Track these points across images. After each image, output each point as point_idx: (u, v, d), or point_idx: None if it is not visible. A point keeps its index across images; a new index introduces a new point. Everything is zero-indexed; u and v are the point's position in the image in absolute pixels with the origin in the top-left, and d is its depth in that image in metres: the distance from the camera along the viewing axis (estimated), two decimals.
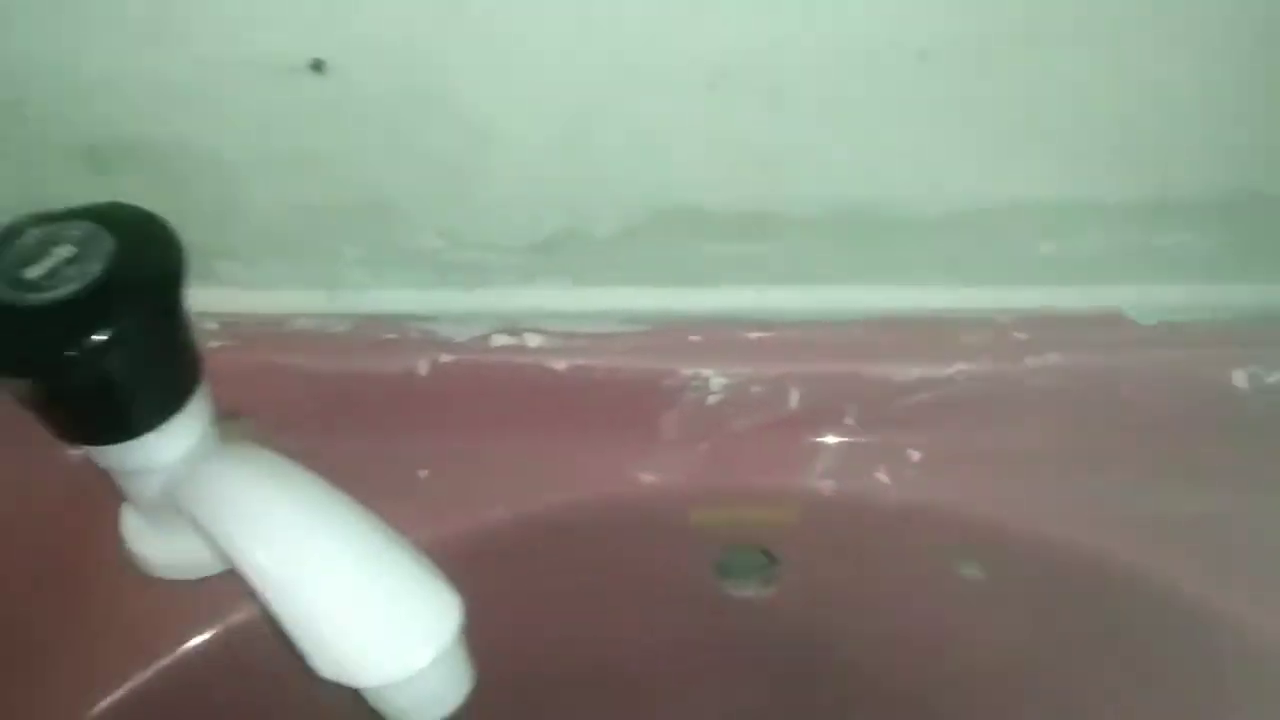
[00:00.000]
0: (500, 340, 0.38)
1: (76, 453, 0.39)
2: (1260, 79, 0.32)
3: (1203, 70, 0.32)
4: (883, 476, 0.36)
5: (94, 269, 0.29)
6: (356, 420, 0.38)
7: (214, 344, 0.38)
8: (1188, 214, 0.35)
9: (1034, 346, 0.36)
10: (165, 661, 0.35)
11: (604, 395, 0.37)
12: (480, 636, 0.29)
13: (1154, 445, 0.36)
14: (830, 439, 0.37)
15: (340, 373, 0.38)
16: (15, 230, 0.30)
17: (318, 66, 0.33)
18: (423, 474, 0.37)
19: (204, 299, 0.32)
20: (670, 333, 0.37)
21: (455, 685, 0.29)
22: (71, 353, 0.28)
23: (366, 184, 0.37)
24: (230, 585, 0.36)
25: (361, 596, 0.27)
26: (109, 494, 0.37)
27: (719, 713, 0.41)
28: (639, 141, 0.35)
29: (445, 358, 0.38)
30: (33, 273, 0.29)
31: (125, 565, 0.36)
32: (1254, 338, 0.36)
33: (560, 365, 0.37)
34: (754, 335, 0.37)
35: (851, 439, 0.37)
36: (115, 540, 0.36)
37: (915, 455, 0.36)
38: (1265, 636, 0.33)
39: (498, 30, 0.32)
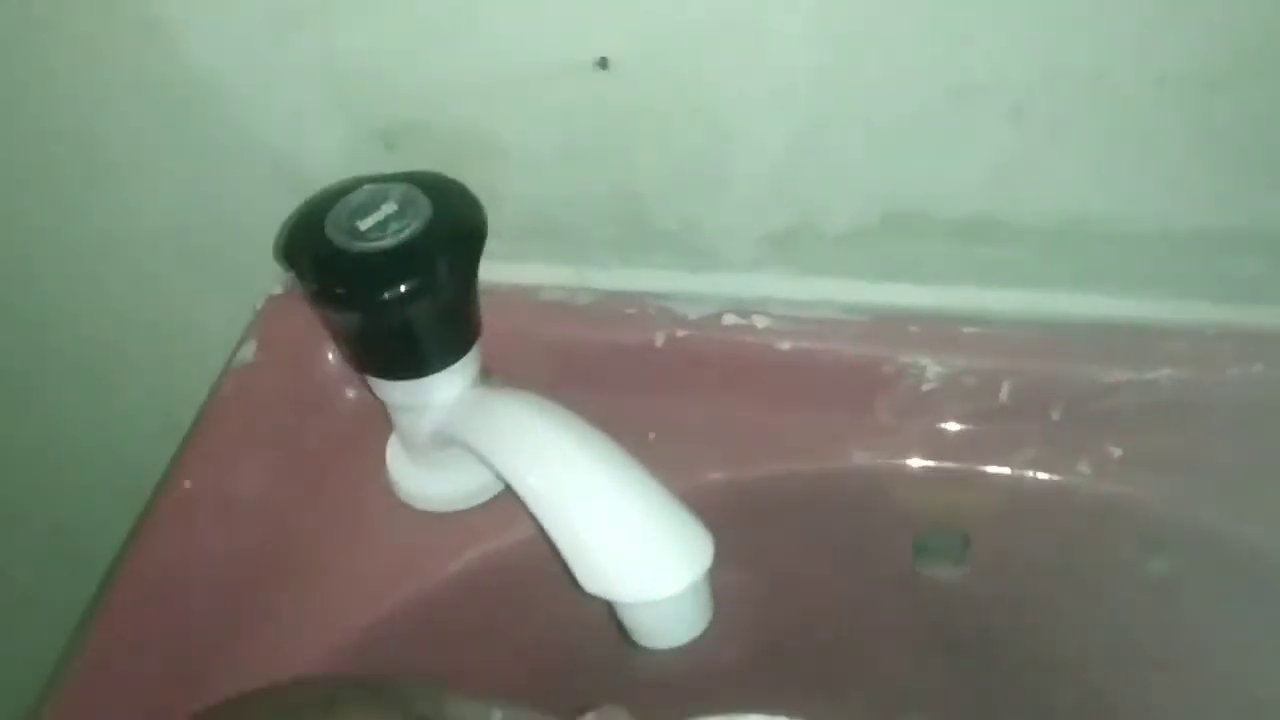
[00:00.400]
0: (730, 320, 0.42)
1: (347, 400, 0.44)
2: None
3: None
4: (1084, 468, 0.39)
5: (414, 225, 0.34)
6: (595, 383, 0.41)
7: None
8: None
9: (1239, 357, 0.38)
10: (423, 585, 0.39)
11: (824, 376, 0.41)
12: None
13: None
14: (1036, 431, 0.39)
15: (583, 340, 0.43)
16: (346, 187, 0.35)
17: (603, 64, 0.38)
18: (651, 436, 0.41)
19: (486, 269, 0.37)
20: (890, 323, 0.40)
21: (699, 615, 0.33)
22: (390, 295, 0.33)
23: (622, 174, 0.41)
24: (479, 519, 0.40)
25: (632, 519, 0.31)
26: (375, 438, 0.42)
27: (900, 687, 0.44)
28: (876, 146, 0.38)
29: (680, 332, 0.42)
30: (364, 224, 0.34)
31: (388, 499, 0.41)
32: None
33: (785, 345, 0.41)
34: (970, 330, 0.40)
35: (1056, 433, 0.39)
36: (380, 478, 0.41)
37: (1116, 452, 0.39)
38: None
39: (745, 37, 0.36)
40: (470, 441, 0.35)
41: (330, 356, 0.44)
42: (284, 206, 0.37)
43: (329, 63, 0.39)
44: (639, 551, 0.31)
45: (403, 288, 0.33)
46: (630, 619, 0.32)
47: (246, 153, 0.42)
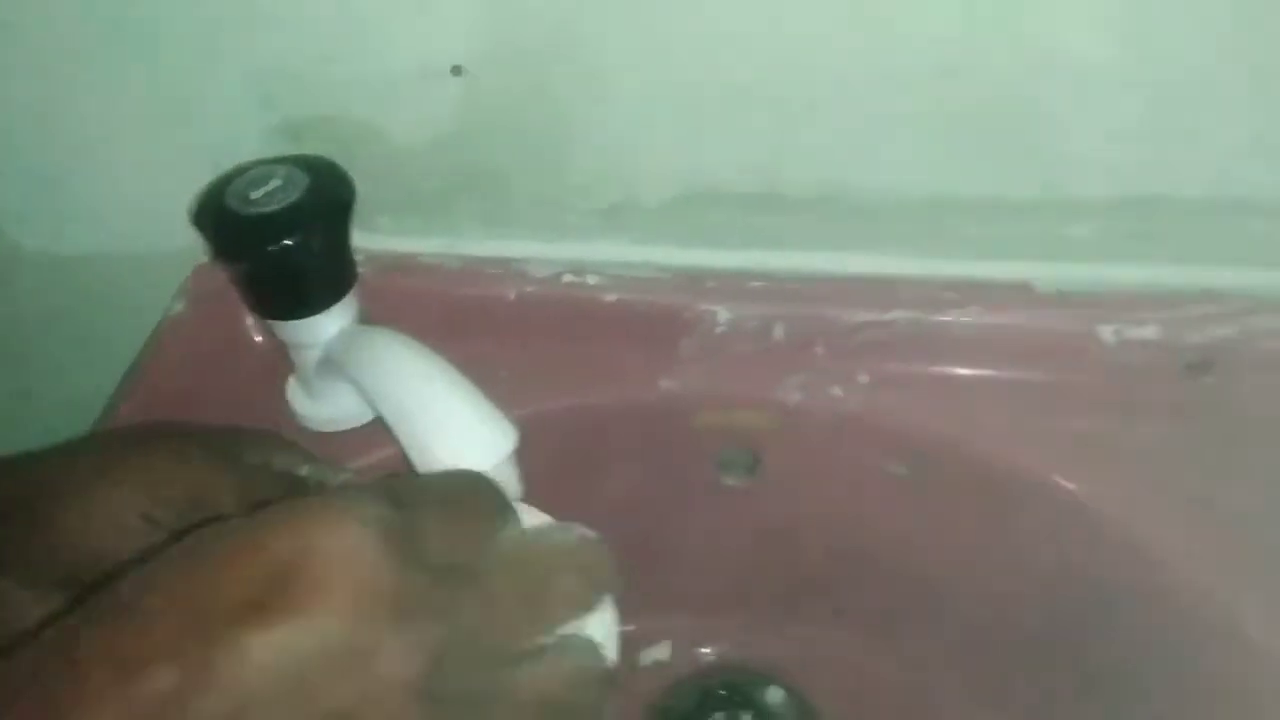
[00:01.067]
0: (568, 278, 0.52)
1: (256, 344, 0.54)
2: None
3: None
4: (838, 391, 0.49)
5: (294, 195, 0.44)
6: (459, 332, 0.51)
7: (362, 270, 0.53)
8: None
9: (957, 303, 0.48)
10: None
11: (639, 322, 0.51)
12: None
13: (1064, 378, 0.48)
14: (803, 363, 0.50)
15: (450, 296, 0.53)
16: (245, 168, 0.45)
17: (457, 71, 0.48)
18: (503, 373, 0.51)
19: (359, 239, 0.47)
20: (691, 279, 0.51)
21: (512, 490, 0.42)
22: (273, 248, 0.43)
23: (482, 160, 0.51)
24: (357, 437, 0.50)
25: (453, 410, 0.41)
26: (280, 374, 0.52)
27: (711, 573, 0.54)
28: (680, 136, 0.48)
29: (528, 289, 0.52)
30: (255, 194, 0.44)
31: (287, 420, 0.51)
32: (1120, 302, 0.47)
33: (610, 298, 0.51)
34: (753, 284, 0.50)
35: (818, 364, 0.49)
36: (282, 405, 0.51)
37: (864, 378, 0.49)
38: (1190, 561, 0.43)
39: (574, 47, 0.46)
40: (342, 364, 0.45)
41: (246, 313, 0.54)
42: None
43: (250, 66, 0.49)
44: (458, 434, 0.41)
45: (284, 242, 0.43)
46: None
47: (183, 145, 0.53)
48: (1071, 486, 0.45)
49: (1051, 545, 0.47)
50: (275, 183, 0.45)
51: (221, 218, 0.44)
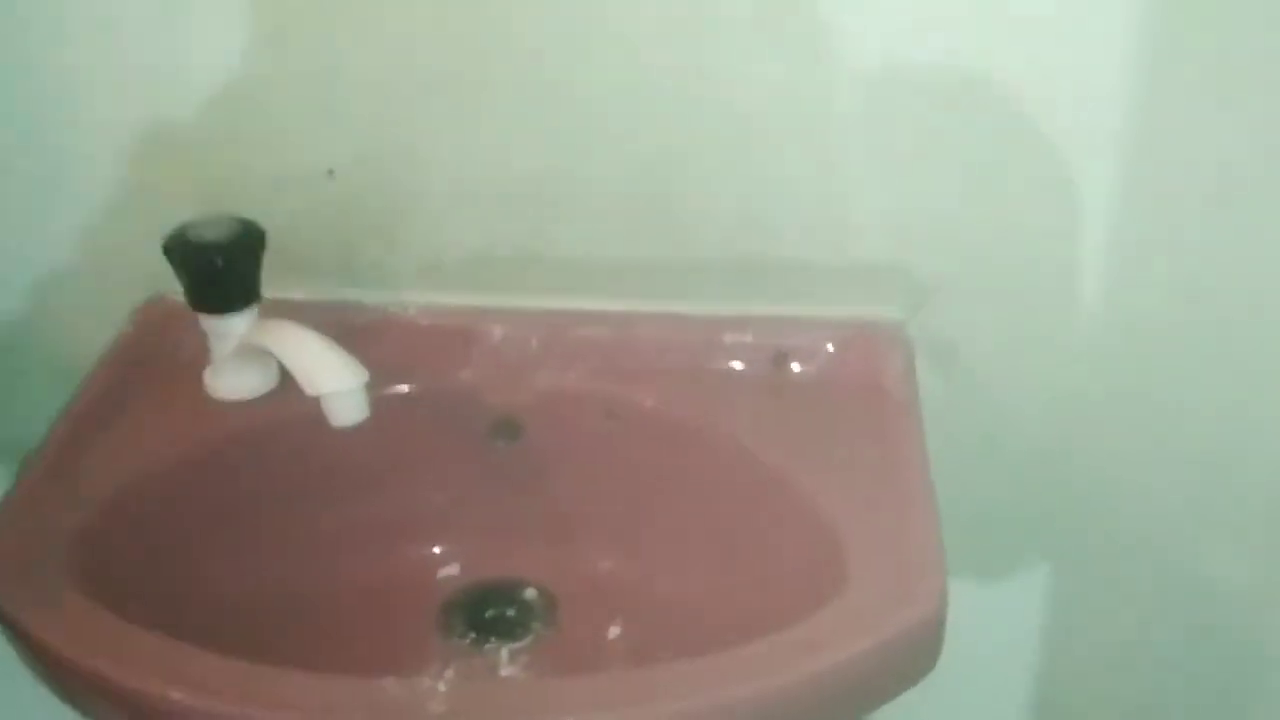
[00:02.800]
0: (395, 309, 0.80)
1: (186, 345, 0.79)
2: None
3: None
4: (571, 377, 0.78)
5: (229, 234, 0.72)
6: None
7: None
8: None
9: (637, 323, 0.79)
10: (217, 433, 0.75)
11: (443, 337, 0.79)
12: (365, 459, 0.69)
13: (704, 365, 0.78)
14: (546, 362, 0.79)
15: (319, 321, 0.80)
16: (199, 220, 0.72)
17: (331, 174, 0.77)
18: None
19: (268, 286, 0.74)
20: (478, 311, 0.80)
21: (365, 407, 0.69)
22: (215, 263, 0.71)
23: (343, 235, 0.80)
24: (254, 404, 0.75)
25: (328, 358, 0.68)
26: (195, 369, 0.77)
27: (489, 511, 0.80)
28: (478, 218, 0.78)
29: (370, 317, 0.80)
30: (205, 233, 0.71)
31: (203, 393, 0.76)
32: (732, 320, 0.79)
33: (425, 322, 0.80)
34: (518, 314, 0.80)
35: (552, 364, 0.79)
36: (200, 385, 0.77)
37: (584, 369, 0.78)
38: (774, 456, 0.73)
39: (408, 158, 0.77)
40: (253, 339, 0.72)
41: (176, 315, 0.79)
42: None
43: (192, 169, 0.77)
44: (332, 367, 0.68)
45: (221, 260, 0.71)
46: (329, 406, 0.68)
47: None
48: (714, 426, 0.75)
49: (705, 465, 0.76)
50: (218, 227, 0.72)
51: (183, 245, 0.71)
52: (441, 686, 0.59)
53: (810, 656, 0.58)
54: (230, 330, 0.74)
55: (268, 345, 0.70)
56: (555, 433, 0.79)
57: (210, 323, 0.74)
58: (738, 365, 0.78)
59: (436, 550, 0.81)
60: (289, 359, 0.68)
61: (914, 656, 0.62)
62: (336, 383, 0.67)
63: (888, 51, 0.70)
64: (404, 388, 0.78)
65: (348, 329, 0.79)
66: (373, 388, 0.69)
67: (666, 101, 0.73)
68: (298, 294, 0.81)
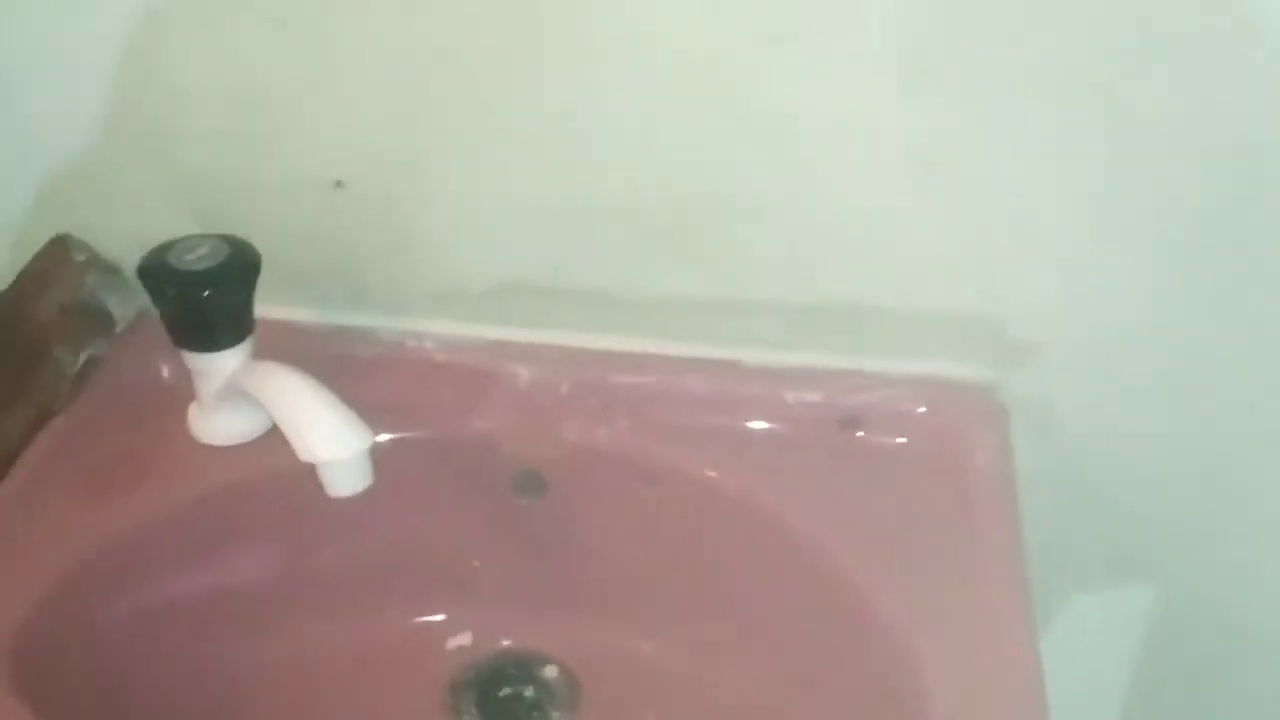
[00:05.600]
0: (410, 343, 0.70)
1: (164, 376, 0.69)
2: None
3: None
4: (603, 432, 0.68)
5: (216, 260, 0.61)
6: (323, 379, 0.68)
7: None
8: None
9: (688, 371, 0.68)
10: (203, 487, 0.65)
11: (460, 376, 0.69)
12: (368, 512, 0.59)
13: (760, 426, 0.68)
14: (580, 411, 0.68)
15: (319, 352, 0.69)
16: (181, 239, 0.62)
17: (339, 184, 0.66)
18: (356, 409, 0.68)
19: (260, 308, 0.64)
20: (503, 346, 0.69)
21: (367, 475, 0.59)
22: (200, 296, 0.60)
23: (348, 252, 0.69)
24: (243, 452, 0.66)
25: (327, 415, 0.58)
26: (181, 401, 0.67)
27: (507, 575, 0.71)
28: (490, 242, 0.68)
29: (378, 350, 0.70)
30: (188, 257, 0.61)
31: (187, 436, 0.66)
32: (796, 375, 0.68)
33: (440, 358, 0.69)
34: (547, 353, 0.69)
35: (591, 413, 0.68)
36: (184, 423, 0.67)
37: (624, 423, 0.68)
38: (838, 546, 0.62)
39: (420, 168, 0.66)
40: (243, 384, 0.62)
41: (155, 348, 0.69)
42: None
43: (179, 174, 0.67)
44: (332, 431, 0.58)
45: (206, 292, 0.60)
46: (326, 475, 0.58)
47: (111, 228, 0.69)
48: (768, 503, 0.65)
49: (756, 547, 0.66)
50: (203, 250, 0.62)
51: (163, 272, 0.61)
52: None
53: None
54: (217, 369, 0.64)
55: (257, 396, 0.60)
56: (586, 492, 0.69)
57: (194, 360, 0.64)
58: (799, 428, 0.68)
59: (446, 617, 0.72)
60: (281, 417, 0.58)
61: None
62: (333, 450, 0.57)
63: None
64: (415, 434, 0.68)
65: (354, 362, 0.69)
66: (380, 430, 0.60)
67: (719, 119, 0.62)
68: (299, 315, 0.71)
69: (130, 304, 0.70)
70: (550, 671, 0.70)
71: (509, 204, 0.66)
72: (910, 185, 0.63)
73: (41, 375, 0.66)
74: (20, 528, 0.61)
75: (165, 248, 0.62)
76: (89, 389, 0.68)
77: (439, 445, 0.69)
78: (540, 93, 0.62)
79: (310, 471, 0.57)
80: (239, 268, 0.62)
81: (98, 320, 0.69)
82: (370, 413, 0.64)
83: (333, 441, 0.58)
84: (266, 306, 0.70)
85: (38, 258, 0.68)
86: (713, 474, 0.66)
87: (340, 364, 0.69)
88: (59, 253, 0.68)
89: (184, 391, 0.67)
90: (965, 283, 0.65)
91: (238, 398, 0.64)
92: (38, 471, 0.64)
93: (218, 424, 0.66)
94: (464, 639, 0.72)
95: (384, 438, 0.65)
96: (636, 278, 0.68)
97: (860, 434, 0.67)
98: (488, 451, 0.69)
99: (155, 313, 0.64)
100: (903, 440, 0.67)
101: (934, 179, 0.62)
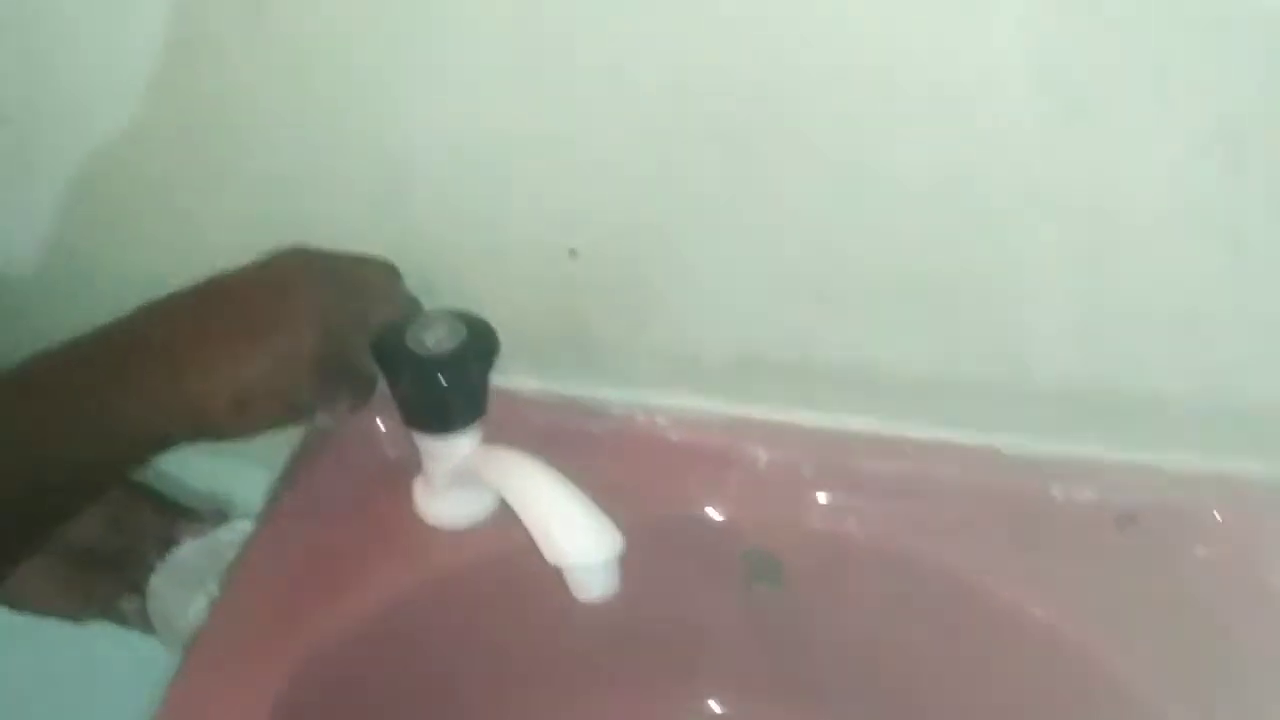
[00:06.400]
0: (641, 417, 0.66)
1: (388, 455, 0.67)
2: None
3: None
4: (852, 522, 0.63)
5: (454, 343, 0.57)
6: (552, 455, 0.64)
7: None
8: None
9: (945, 458, 0.63)
10: (441, 570, 0.62)
11: (696, 457, 0.65)
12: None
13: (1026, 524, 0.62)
14: (822, 494, 0.64)
15: (547, 425, 0.66)
16: (420, 317, 0.59)
17: (573, 254, 0.62)
18: (587, 492, 0.64)
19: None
20: (741, 424, 0.65)
21: (616, 580, 0.55)
22: (438, 382, 0.57)
23: (580, 324, 0.65)
24: (474, 535, 0.63)
25: (578, 518, 0.54)
26: (404, 477, 0.65)
27: (742, 665, 0.67)
28: (732, 318, 0.63)
29: (610, 424, 0.66)
30: (425, 338, 0.57)
31: (412, 517, 0.64)
32: (1066, 467, 0.62)
33: (674, 436, 0.65)
34: (787, 433, 0.64)
35: (837, 500, 0.64)
36: (409, 502, 0.64)
37: (873, 513, 0.63)
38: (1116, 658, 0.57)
39: (653, 237, 0.61)
40: (480, 474, 0.58)
41: (380, 428, 0.67)
42: None
43: (410, 239, 0.63)
44: (582, 535, 0.54)
45: (444, 378, 0.57)
46: (574, 579, 0.55)
47: None
48: (1036, 612, 0.59)
49: (1016, 656, 0.60)
50: (440, 331, 0.58)
51: (401, 354, 0.57)
52: None
53: None
54: (449, 452, 0.60)
55: (501, 489, 0.57)
56: (829, 585, 0.64)
57: (425, 441, 0.61)
58: (1070, 527, 0.62)
59: (673, 703, 0.68)
60: (528, 517, 0.55)
61: None
62: (584, 556, 0.54)
63: None
64: (646, 516, 0.64)
65: (584, 437, 0.66)
66: (612, 511, 0.55)
67: (1008, 192, 0.55)
68: (526, 383, 0.68)
69: None
70: None
71: (757, 274, 0.61)
72: (1219, 269, 0.56)
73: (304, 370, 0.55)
74: (258, 618, 0.59)
75: (400, 325, 0.59)
76: (314, 456, 0.66)
77: (671, 528, 0.65)
78: (799, 160, 0.57)
79: (539, 556, 0.54)
80: (478, 352, 0.58)
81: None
82: (600, 492, 0.61)
83: (584, 547, 0.54)
84: (492, 372, 0.66)
85: (369, 263, 0.62)
86: (971, 572, 0.61)
87: (570, 439, 0.65)
88: (390, 276, 0.63)
89: (407, 467, 0.64)
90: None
91: (467, 479, 0.61)
92: (271, 552, 0.62)
93: (447, 506, 0.63)
94: None
95: (617, 521, 0.62)
96: (895, 357, 0.62)
97: (1139, 537, 0.61)
98: (722, 536, 0.65)
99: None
100: (1191, 547, 0.60)
101: (1247, 264, 0.55)
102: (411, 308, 0.61)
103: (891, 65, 0.53)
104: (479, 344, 0.58)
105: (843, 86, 0.54)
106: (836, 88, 0.54)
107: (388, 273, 0.62)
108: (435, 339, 0.58)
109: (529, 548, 0.55)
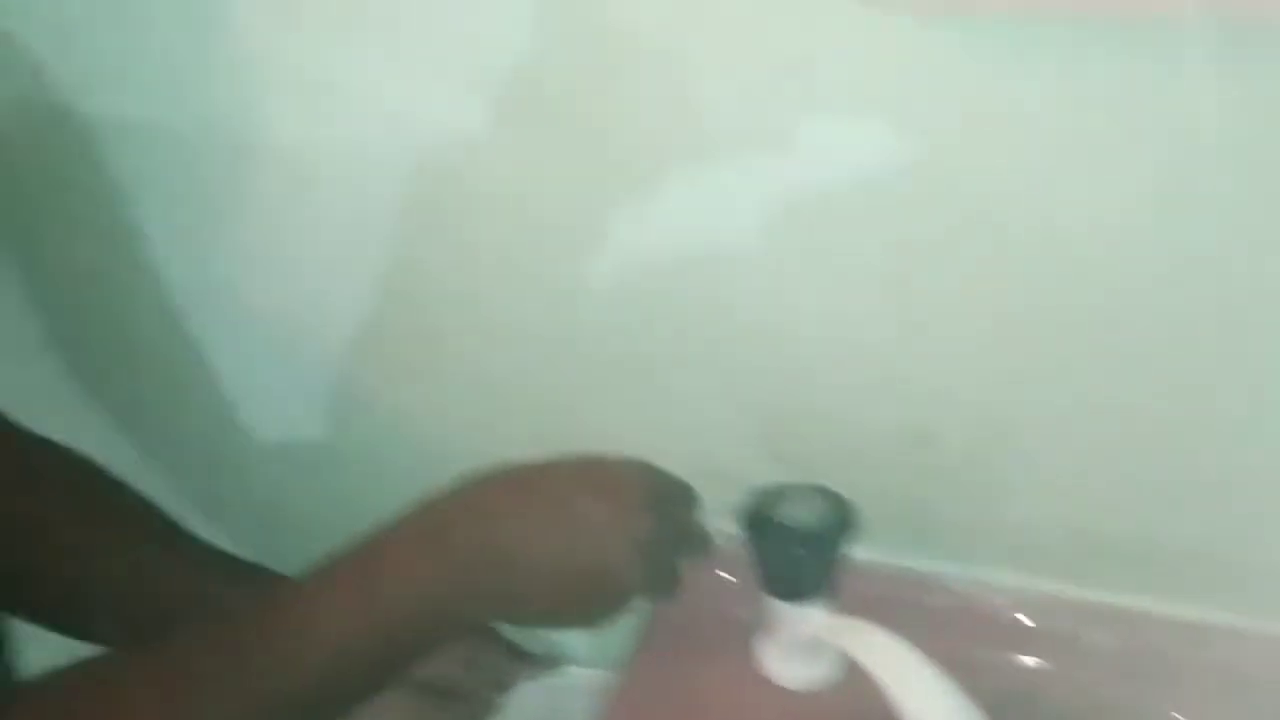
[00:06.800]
0: (985, 595, 0.68)
1: (735, 615, 0.71)
2: None
3: None
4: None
5: (818, 517, 0.62)
6: (892, 624, 0.67)
7: None
8: None
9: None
10: None
11: (1036, 640, 0.66)
12: None
13: None
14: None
15: (882, 596, 0.68)
16: (783, 489, 0.63)
17: (926, 439, 0.66)
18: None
19: None
20: (1078, 607, 0.66)
21: None
22: (805, 554, 0.61)
23: (920, 503, 0.68)
24: (826, 697, 0.65)
25: (939, 696, 0.56)
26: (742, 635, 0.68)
27: None
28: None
29: (948, 600, 0.68)
30: (792, 511, 0.62)
31: (758, 676, 0.67)
32: None
33: (1016, 615, 0.67)
34: (1125, 622, 0.65)
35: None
36: (751, 662, 0.67)
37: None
38: None
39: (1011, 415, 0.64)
40: (845, 647, 0.61)
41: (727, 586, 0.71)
42: None
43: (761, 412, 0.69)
44: (948, 715, 0.56)
45: (806, 551, 0.61)
46: None
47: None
48: None
49: None
50: (803, 505, 0.62)
51: (769, 526, 0.62)
52: None
53: None
54: (802, 620, 0.64)
55: (862, 660, 0.60)
56: None
57: (780, 608, 0.64)
58: None
59: None
60: (892, 689, 0.57)
61: None
62: None
63: None
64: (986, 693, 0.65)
65: (920, 610, 0.68)
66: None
67: None
68: (860, 551, 0.71)
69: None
70: None
71: (1096, 448, 0.63)
72: None
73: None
74: None
75: (769, 498, 0.63)
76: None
77: (1007, 704, 0.66)
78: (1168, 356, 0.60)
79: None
80: (840, 526, 0.62)
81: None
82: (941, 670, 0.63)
83: None
84: None
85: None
86: None
87: (907, 611, 0.67)
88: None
89: (747, 626, 0.68)
90: None
91: (814, 643, 0.64)
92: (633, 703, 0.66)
93: (799, 669, 0.66)
94: None
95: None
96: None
97: None
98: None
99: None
100: None
101: None
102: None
103: None
104: (842, 521, 0.62)
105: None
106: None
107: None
108: (801, 513, 0.62)
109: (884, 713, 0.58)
